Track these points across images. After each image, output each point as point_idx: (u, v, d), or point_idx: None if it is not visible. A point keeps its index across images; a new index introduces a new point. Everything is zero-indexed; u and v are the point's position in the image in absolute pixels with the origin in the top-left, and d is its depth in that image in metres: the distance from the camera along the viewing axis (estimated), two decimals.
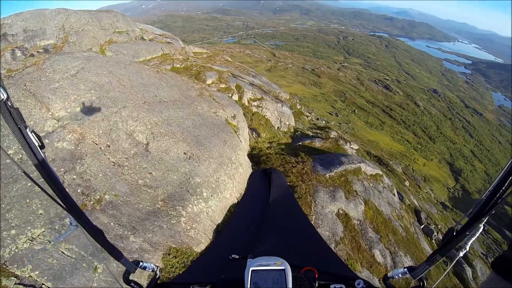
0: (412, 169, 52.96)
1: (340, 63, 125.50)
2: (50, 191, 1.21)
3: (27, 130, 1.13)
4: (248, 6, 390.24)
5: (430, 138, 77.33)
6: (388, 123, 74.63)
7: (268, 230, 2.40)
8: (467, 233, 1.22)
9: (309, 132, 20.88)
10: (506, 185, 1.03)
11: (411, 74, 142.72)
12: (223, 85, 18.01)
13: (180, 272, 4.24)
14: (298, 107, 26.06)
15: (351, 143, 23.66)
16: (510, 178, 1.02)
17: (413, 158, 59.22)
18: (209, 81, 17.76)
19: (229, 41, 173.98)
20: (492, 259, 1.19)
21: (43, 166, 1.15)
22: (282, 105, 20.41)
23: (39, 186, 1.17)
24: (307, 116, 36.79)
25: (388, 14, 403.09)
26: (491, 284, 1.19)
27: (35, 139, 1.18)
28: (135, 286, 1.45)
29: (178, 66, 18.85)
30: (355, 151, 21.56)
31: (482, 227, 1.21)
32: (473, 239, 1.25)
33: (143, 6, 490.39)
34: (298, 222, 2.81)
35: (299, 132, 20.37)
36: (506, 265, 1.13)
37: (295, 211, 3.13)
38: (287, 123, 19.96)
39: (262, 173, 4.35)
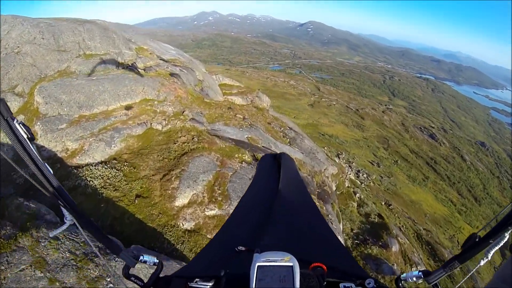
0: (457, 241, 46.31)
1: (385, 105, 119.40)
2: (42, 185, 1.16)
3: (15, 121, 1.06)
4: (297, 35, 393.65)
5: (476, 199, 69.24)
6: (432, 179, 67.71)
7: (276, 220, 2.02)
8: (490, 241, 1.13)
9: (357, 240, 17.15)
10: None
11: (456, 122, 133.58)
12: (211, 211, 9.05)
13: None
14: (347, 185, 21.52)
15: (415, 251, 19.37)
16: None
17: (459, 226, 52.12)
18: (183, 198, 9.14)
19: (274, 68, 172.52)
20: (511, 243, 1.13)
21: (33, 160, 1.10)
22: None
23: (32, 181, 1.14)
24: (348, 172, 32.43)
25: (436, 56, 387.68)
26: None
27: (24, 131, 1.11)
28: (135, 280, 1.33)
29: (159, 128, 12.29)
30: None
31: (507, 236, 1.12)
32: (496, 248, 1.18)
33: (195, 22, 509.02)
34: (308, 213, 2.42)
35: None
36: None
37: (306, 201, 2.63)
38: None
39: (272, 158, 3.26)
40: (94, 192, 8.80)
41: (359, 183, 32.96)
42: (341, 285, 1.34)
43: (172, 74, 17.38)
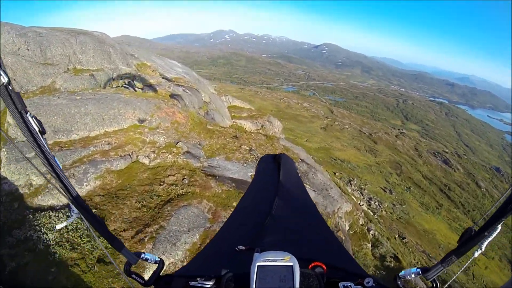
0: (473, 274, 44.48)
1: (398, 129, 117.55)
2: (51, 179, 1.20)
3: (28, 114, 1.10)
4: (312, 56, 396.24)
5: None
6: (446, 206, 65.42)
7: (276, 220, 2.05)
8: (485, 234, 1.17)
9: None
10: None
11: (470, 147, 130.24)
12: None
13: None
14: (361, 223, 20.89)
15: None
16: None
17: (474, 258, 49.81)
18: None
19: (288, 89, 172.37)
20: None
21: (43, 152, 1.13)
22: None
23: (42, 174, 1.18)
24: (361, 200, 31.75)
25: (450, 80, 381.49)
26: None
27: (36, 124, 1.15)
28: (136, 278, 1.35)
29: (146, 162, 10.64)
30: None
31: (499, 228, 1.16)
32: (490, 239, 1.21)
33: (212, 40, 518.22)
34: (307, 213, 2.46)
35: None
36: None
37: (305, 201, 2.65)
38: None
39: (271, 158, 3.19)
40: (46, 249, 6.90)
41: (372, 214, 32.11)
42: (340, 284, 1.36)
43: (172, 96, 15.96)
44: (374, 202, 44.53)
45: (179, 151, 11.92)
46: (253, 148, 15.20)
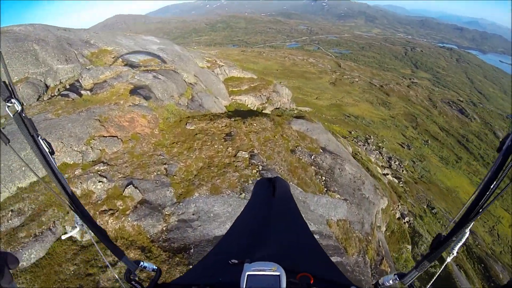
0: (497, 234, 41.10)
1: (409, 79, 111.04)
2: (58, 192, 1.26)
3: (39, 138, 1.20)
4: (312, 11, 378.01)
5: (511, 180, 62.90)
6: (465, 159, 61.48)
7: (268, 236, 2.13)
8: (453, 238, 1.21)
9: None
10: (490, 190, 1.05)
11: (484, 94, 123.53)
12: None
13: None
14: (397, 216, 16.30)
15: None
16: (494, 183, 1.05)
17: (498, 215, 46.36)
18: None
19: (292, 45, 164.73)
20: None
21: (53, 170, 1.20)
22: None
23: (50, 189, 1.25)
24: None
25: (458, 24, 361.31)
26: None
27: (46, 146, 1.23)
28: (136, 285, 1.39)
29: (77, 237, 6.45)
30: None
31: (468, 232, 1.20)
32: (460, 244, 1.25)
33: (208, 6, 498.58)
34: (297, 229, 2.51)
35: None
36: None
37: (296, 218, 2.69)
38: None
39: (267, 181, 3.17)
40: None
41: (397, 182, 28.48)
42: None
43: (135, 90, 11.17)
44: (394, 162, 41.69)
45: (128, 205, 7.28)
46: (255, 151, 10.56)
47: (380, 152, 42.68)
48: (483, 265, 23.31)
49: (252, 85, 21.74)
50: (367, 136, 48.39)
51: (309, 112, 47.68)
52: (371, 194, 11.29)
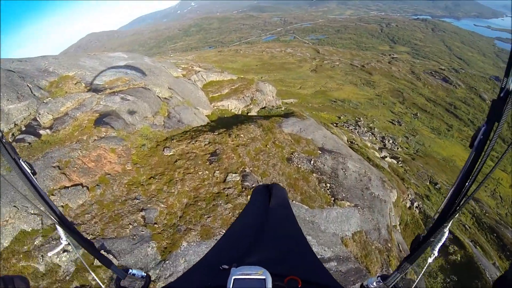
0: (500, 196, 40.77)
1: (389, 55, 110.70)
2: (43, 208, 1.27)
3: (20, 160, 1.23)
4: (284, 1, 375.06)
5: (504, 140, 62.99)
6: (456, 126, 61.25)
7: (260, 242, 2.12)
8: (431, 239, 1.19)
9: None
10: (465, 188, 1.04)
11: (464, 59, 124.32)
12: None
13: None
14: (408, 205, 15.10)
15: None
16: (468, 181, 1.03)
17: (496, 177, 46.08)
18: None
19: (268, 39, 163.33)
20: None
21: (36, 189, 1.23)
22: None
23: (36, 206, 1.24)
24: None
25: None
26: None
27: (28, 167, 1.26)
28: None
29: None
30: None
31: (447, 232, 1.18)
32: (440, 244, 1.22)
33: (178, 11, 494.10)
34: (290, 235, 2.43)
35: None
36: (506, 285, 1.10)
37: (290, 224, 2.62)
38: None
39: (264, 188, 3.23)
40: None
41: (396, 163, 27.64)
42: None
43: (100, 120, 9.65)
44: (388, 141, 41.36)
45: (102, 277, 5.92)
46: (247, 169, 9.24)
47: (372, 133, 42.02)
48: (495, 235, 22.66)
49: (233, 87, 20.34)
50: (356, 119, 47.65)
51: (295, 104, 46.68)
52: (380, 191, 10.19)
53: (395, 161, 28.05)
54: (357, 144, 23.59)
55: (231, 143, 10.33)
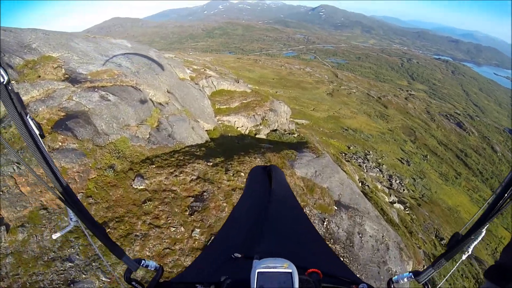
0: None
1: (407, 91, 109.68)
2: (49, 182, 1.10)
3: (27, 116, 1.03)
4: (309, 20, 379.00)
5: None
6: (464, 175, 59.71)
7: (269, 228, 2.02)
8: (472, 237, 1.18)
9: None
10: (509, 191, 1.05)
11: (479, 106, 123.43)
12: None
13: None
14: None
15: None
16: None
17: (499, 236, 44.27)
18: None
19: (288, 54, 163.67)
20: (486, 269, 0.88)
21: (43, 156, 1.04)
22: None
23: (38, 178, 1.04)
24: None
25: (453, 36, 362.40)
26: None
27: (36, 127, 1.08)
28: (136, 285, 1.31)
29: None
30: None
31: (484, 232, 1.19)
32: (476, 243, 1.23)
33: (205, 12, 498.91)
34: (299, 222, 2.42)
35: None
36: (499, 272, 1.20)
37: (296, 211, 2.59)
38: None
39: (262, 169, 3.19)
40: None
41: (403, 209, 26.21)
42: None
43: (62, 122, 7.41)
44: (395, 181, 40.05)
45: None
46: None
47: (380, 170, 40.80)
48: None
49: (244, 101, 18.76)
50: (366, 151, 46.39)
51: (306, 125, 45.42)
52: (398, 265, 8.66)
53: (402, 207, 26.64)
54: (367, 185, 22.17)
55: (226, 183, 8.27)
